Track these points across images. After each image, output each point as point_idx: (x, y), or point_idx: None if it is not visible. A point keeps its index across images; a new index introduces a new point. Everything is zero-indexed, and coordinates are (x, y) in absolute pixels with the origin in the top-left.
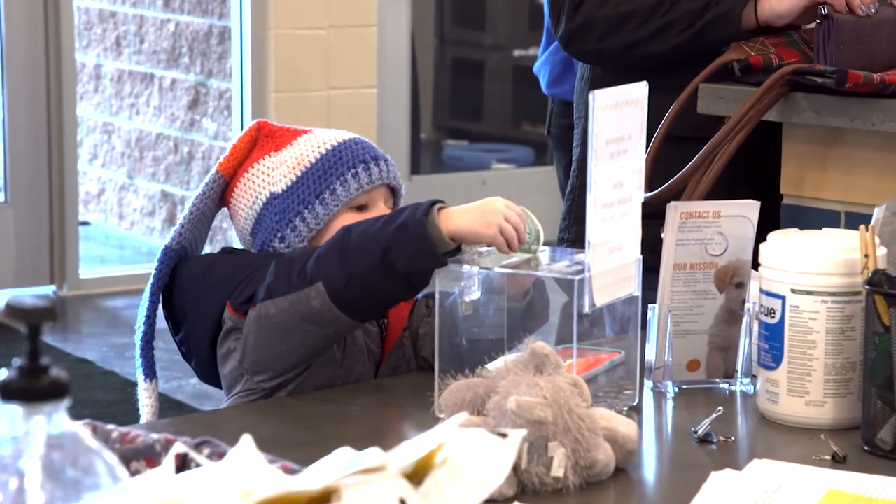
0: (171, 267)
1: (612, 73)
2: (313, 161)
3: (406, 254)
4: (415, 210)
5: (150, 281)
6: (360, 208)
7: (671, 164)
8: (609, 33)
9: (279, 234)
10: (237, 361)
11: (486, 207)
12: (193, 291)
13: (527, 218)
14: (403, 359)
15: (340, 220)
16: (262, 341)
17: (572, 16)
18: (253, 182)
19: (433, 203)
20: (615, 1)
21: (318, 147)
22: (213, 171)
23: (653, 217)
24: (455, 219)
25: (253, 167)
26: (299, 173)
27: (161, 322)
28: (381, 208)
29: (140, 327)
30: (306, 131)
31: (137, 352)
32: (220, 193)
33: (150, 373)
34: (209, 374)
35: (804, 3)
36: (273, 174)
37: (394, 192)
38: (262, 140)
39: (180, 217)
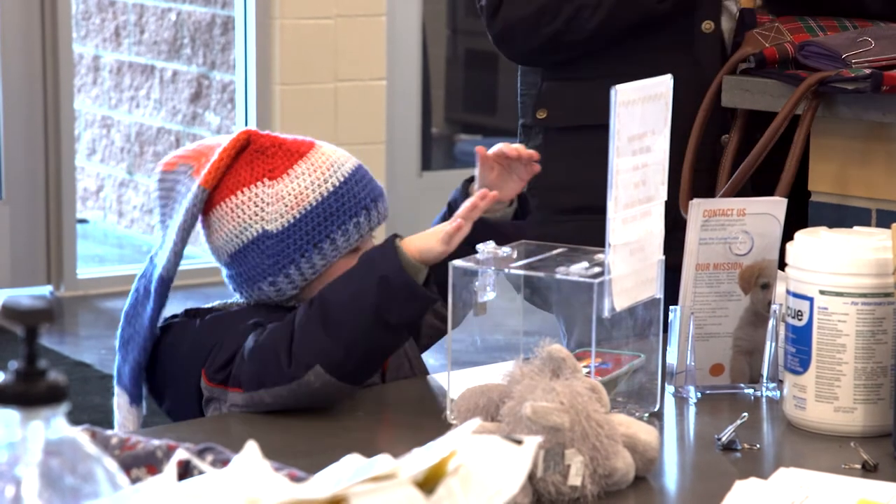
0: (166, 297)
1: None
2: (314, 204)
3: (396, 307)
4: (384, 256)
5: (149, 313)
6: (356, 250)
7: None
8: (529, 33)
9: (270, 279)
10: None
11: (434, 229)
12: (169, 364)
13: None
14: (406, 357)
15: (337, 266)
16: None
17: (491, 22)
18: (243, 211)
19: (393, 239)
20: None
21: (320, 186)
22: (195, 187)
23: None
24: (415, 244)
25: (243, 192)
26: (297, 215)
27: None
28: (370, 243)
29: (135, 356)
30: (303, 150)
31: (127, 379)
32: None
33: (138, 398)
34: None
35: None
36: (268, 210)
37: None
38: (252, 155)
39: (168, 241)
